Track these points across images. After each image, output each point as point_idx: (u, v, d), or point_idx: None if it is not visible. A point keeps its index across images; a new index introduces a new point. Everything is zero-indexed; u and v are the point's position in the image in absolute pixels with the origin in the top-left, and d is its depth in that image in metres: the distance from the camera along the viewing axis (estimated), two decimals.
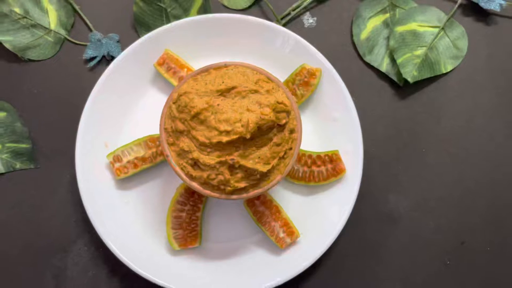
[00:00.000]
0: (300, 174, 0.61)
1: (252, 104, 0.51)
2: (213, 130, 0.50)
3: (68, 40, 0.67)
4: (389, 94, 0.67)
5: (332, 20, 0.69)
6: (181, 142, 0.52)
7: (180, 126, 0.52)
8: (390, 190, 0.64)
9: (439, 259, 0.63)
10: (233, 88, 0.52)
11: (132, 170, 0.60)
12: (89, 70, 0.66)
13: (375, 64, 0.68)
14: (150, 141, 0.61)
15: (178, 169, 0.53)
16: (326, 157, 0.61)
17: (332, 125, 0.63)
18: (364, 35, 0.69)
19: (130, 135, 0.62)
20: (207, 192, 0.53)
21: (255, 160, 0.51)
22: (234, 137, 0.50)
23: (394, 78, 0.67)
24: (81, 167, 0.59)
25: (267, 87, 0.53)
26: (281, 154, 0.53)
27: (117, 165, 0.60)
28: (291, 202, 0.62)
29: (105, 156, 0.61)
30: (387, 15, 0.69)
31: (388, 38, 0.69)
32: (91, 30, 0.67)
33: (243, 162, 0.51)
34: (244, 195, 0.53)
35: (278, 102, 0.51)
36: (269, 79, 0.55)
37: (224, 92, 0.52)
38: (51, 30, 0.66)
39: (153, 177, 0.62)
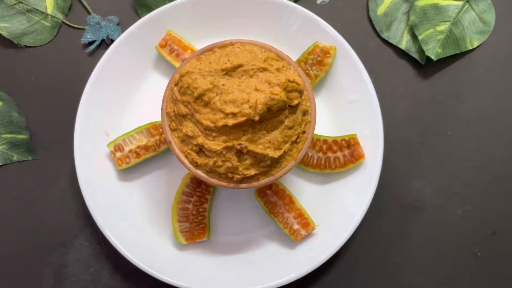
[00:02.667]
0: (315, 161, 0.57)
1: (261, 83, 0.46)
2: (218, 112, 0.46)
3: (65, 24, 0.63)
4: (410, 73, 0.62)
5: None
6: (184, 127, 0.48)
7: (183, 110, 0.48)
8: (413, 177, 0.59)
9: (468, 250, 0.58)
10: (239, 66, 0.47)
11: (134, 159, 0.56)
12: (88, 55, 0.62)
13: (393, 41, 0.63)
14: (153, 129, 0.57)
15: (182, 156, 0.49)
16: (343, 142, 0.56)
17: (349, 107, 0.58)
18: (381, 10, 0.64)
19: (132, 123, 0.58)
20: (213, 180, 0.48)
21: (265, 145, 0.47)
22: (241, 119, 0.45)
23: (415, 56, 0.62)
24: (81, 157, 0.55)
25: (277, 65, 0.49)
26: (294, 138, 0.48)
27: (118, 154, 0.56)
28: (306, 192, 0.57)
29: (105, 146, 0.57)
30: None
31: (407, 13, 0.63)
32: (89, 13, 0.63)
33: (251, 147, 0.46)
34: (254, 184, 0.48)
35: (289, 81, 0.47)
36: (279, 57, 0.50)
37: (229, 71, 0.47)
38: (47, 15, 0.63)
39: (157, 167, 0.58)
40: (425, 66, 0.62)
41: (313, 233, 0.55)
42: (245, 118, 0.45)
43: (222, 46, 0.51)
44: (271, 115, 0.47)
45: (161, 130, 0.57)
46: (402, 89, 0.62)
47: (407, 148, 0.60)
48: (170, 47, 0.59)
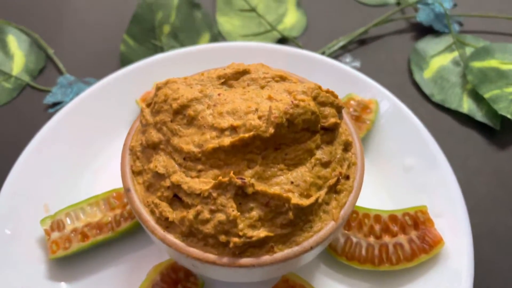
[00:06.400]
0: (363, 251, 0.35)
1: (277, 93, 0.30)
2: (209, 130, 0.28)
3: (30, 86, 0.50)
4: (482, 142, 0.45)
5: (381, 61, 0.52)
6: (154, 162, 0.29)
7: (155, 137, 0.30)
8: None
9: None
10: (245, 72, 0.32)
11: (78, 243, 0.36)
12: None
13: (451, 106, 0.48)
14: (114, 198, 0.38)
15: (143, 211, 0.29)
16: (407, 218, 0.36)
17: (405, 176, 0.40)
18: (428, 74, 0.51)
19: (89, 194, 0.39)
20: (194, 251, 0.27)
21: (284, 187, 0.28)
22: (246, 136, 0.27)
23: (485, 120, 0.46)
24: None
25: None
26: (332, 182, 0.29)
27: (54, 235, 0.36)
28: None
29: (38, 224, 0.37)
30: (455, 53, 0.52)
31: (463, 77, 0.50)
32: (62, 73, 0.51)
33: (261, 187, 0.27)
34: (266, 259, 0.27)
35: (321, 89, 0.30)
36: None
37: (229, 79, 0.32)
38: (11, 76, 0.51)
39: (111, 259, 0.37)
40: (500, 133, 0.46)
41: None
42: (251, 135, 0.27)
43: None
44: (294, 137, 0.29)
45: (125, 200, 0.38)
46: (476, 161, 0.44)
47: (500, 238, 0.39)
48: None
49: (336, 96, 0.30)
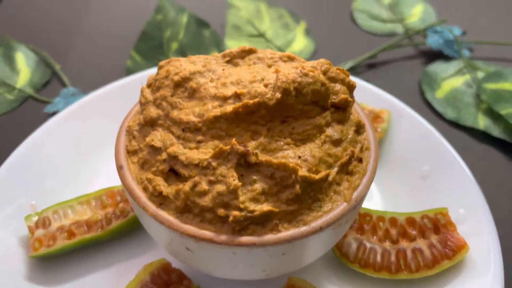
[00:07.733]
0: (379, 258, 0.32)
1: (285, 69, 0.28)
2: (211, 101, 0.26)
3: (32, 98, 0.49)
4: (501, 158, 0.43)
5: (390, 83, 0.51)
6: (150, 136, 0.27)
7: (153, 113, 0.28)
8: None
9: None
10: (251, 52, 0.30)
11: (63, 241, 0.33)
12: None
13: (467, 123, 0.46)
14: (107, 196, 0.35)
15: (135, 187, 0.26)
16: (426, 221, 0.32)
17: (422, 184, 0.37)
18: (440, 94, 0.49)
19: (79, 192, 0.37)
20: (188, 228, 0.24)
21: (290, 161, 0.25)
22: (250, 102, 0.25)
23: (503, 136, 0.44)
24: None
25: None
26: (344, 160, 0.26)
27: (38, 232, 0.33)
28: None
29: (23, 222, 0.34)
30: (467, 76, 0.51)
31: (477, 97, 0.48)
32: (65, 86, 0.50)
33: (266, 157, 0.25)
34: (269, 238, 0.24)
35: (331, 65, 0.28)
36: None
37: (235, 58, 0.30)
38: (15, 88, 0.50)
39: (99, 262, 0.33)
40: None
41: None
42: (255, 101, 0.25)
43: None
44: (302, 109, 0.26)
45: (119, 198, 0.35)
46: (496, 176, 0.41)
47: None
48: None
49: (347, 74, 0.29)
